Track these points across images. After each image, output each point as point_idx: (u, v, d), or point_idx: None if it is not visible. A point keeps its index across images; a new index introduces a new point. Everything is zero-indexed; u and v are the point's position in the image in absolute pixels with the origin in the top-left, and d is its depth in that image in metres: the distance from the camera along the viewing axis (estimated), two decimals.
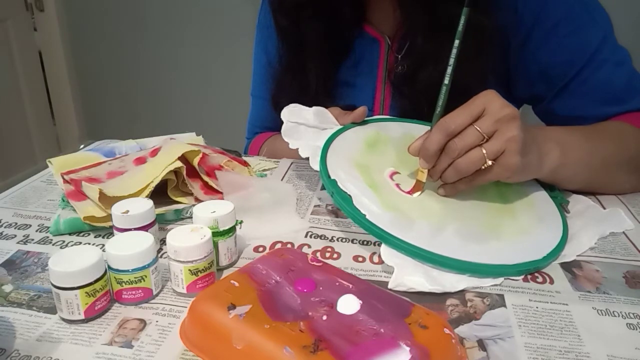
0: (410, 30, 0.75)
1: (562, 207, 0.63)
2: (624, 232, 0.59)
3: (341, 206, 0.56)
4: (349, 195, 0.57)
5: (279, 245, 0.57)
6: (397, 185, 0.60)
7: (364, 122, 0.69)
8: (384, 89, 0.81)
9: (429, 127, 0.58)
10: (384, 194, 0.58)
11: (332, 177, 0.59)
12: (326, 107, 0.70)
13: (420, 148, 0.57)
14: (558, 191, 0.65)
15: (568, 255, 0.55)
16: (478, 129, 0.53)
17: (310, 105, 0.69)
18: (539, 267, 0.53)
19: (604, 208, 0.64)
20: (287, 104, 0.70)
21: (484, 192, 0.61)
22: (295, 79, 0.81)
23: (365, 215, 0.54)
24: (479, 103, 0.54)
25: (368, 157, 0.64)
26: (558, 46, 0.72)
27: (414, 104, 0.75)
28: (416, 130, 0.68)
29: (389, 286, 0.49)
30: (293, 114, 0.67)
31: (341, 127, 0.68)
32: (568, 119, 0.73)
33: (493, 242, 0.54)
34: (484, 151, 0.53)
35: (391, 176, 0.62)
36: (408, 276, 0.50)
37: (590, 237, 0.58)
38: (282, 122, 0.67)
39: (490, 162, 0.54)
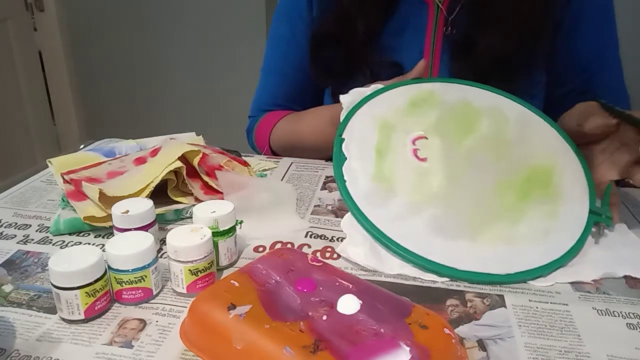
0: None
1: (599, 226, 0.57)
2: None
3: (334, 165, 0.59)
4: (345, 157, 0.59)
5: (279, 245, 0.57)
6: (415, 150, 0.60)
7: (430, 80, 0.68)
8: (432, 56, 0.79)
9: (496, 95, 0.64)
10: (388, 160, 0.59)
11: (343, 136, 0.61)
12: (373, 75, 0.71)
13: None
14: (606, 211, 0.57)
15: (550, 279, 0.52)
16: None
17: (351, 70, 0.69)
18: (493, 282, 0.51)
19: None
20: (325, 60, 0.74)
21: (506, 187, 0.58)
22: (341, 23, 0.78)
23: (345, 182, 0.57)
24: None
25: (403, 117, 0.63)
26: (594, 36, 0.77)
27: (469, 71, 0.72)
28: (478, 98, 0.65)
29: (337, 250, 0.53)
30: (351, 96, 0.66)
31: (400, 82, 0.66)
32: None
33: (461, 242, 0.54)
34: None
35: (414, 140, 0.60)
36: (353, 246, 0.53)
37: (592, 273, 0.52)
38: (296, 98, 0.70)
39: None
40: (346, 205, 0.56)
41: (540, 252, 0.53)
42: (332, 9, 0.79)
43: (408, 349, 0.34)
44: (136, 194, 0.58)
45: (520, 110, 0.65)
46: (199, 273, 0.47)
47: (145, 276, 0.46)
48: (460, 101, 0.65)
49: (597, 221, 0.57)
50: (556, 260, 0.53)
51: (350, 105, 0.64)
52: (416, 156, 0.59)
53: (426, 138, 0.61)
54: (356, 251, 0.53)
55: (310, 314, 0.38)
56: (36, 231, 0.59)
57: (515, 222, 0.56)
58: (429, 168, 0.59)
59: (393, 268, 0.52)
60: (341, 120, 0.63)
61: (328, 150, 0.63)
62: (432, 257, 0.52)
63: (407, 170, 0.58)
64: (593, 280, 0.51)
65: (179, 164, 0.61)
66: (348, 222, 0.56)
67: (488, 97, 0.65)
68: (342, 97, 0.65)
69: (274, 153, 0.90)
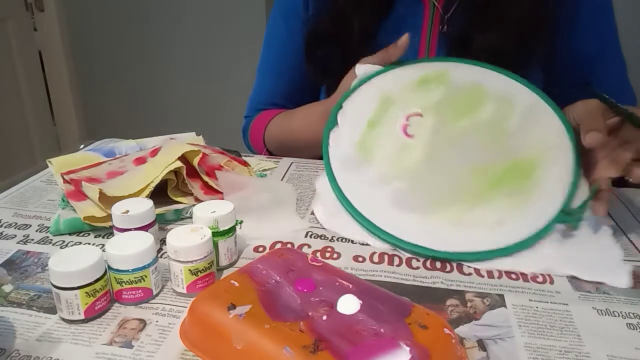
0: None
1: (567, 227, 0.55)
2: (624, 233, 0.59)
3: (324, 129, 0.63)
4: (337, 123, 0.62)
5: (279, 245, 0.57)
6: (405, 126, 0.61)
7: (451, 60, 0.68)
8: (428, 54, 0.79)
9: (513, 81, 0.63)
10: (377, 132, 0.62)
11: (343, 104, 0.64)
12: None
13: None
14: (579, 213, 0.55)
15: (488, 264, 0.53)
16: None
17: (347, 69, 0.71)
18: (430, 257, 0.54)
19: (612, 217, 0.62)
20: (321, 59, 0.77)
21: (482, 173, 0.58)
22: (336, 22, 0.78)
23: (329, 145, 0.61)
24: None
25: (408, 93, 0.64)
26: (593, 32, 0.75)
27: None
28: (493, 83, 0.64)
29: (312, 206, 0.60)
30: (365, 69, 0.68)
31: (422, 59, 0.69)
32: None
33: (414, 215, 0.56)
34: None
35: (408, 117, 0.61)
36: (318, 204, 0.60)
37: (532, 265, 0.52)
38: (292, 98, 0.75)
39: None
40: (324, 166, 0.60)
41: (489, 239, 0.54)
42: (328, 7, 0.79)
43: (408, 349, 0.34)
44: (136, 194, 0.58)
45: (532, 101, 0.63)
46: (199, 273, 0.47)
47: (145, 276, 0.46)
48: (472, 83, 0.64)
49: (565, 221, 0.55)
50: (500, 250, 0.53)
51: (363, 76, 0.66)
52: (405, 132, 0.61)
53: (421, 116, 0.61)
54: (318, 208, 0.58)
55: (310, 314, 0.38)
56: (36, 231, 0.59)
57: (474, 206, 0.56)
58: (412, 144, 0.60)
59: (343, 228, 0.56)
60: (351, 88, 0.65)
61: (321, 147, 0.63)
62: (380, 223, 0.55)
63: (390, 143, 0.60)
64: (588, 281, 0.51)
65: (179, 164, 0.61)
66: (322, 181, 0.60)
67: (504, 83, 0.64)
68: (357, 67, 0.68)
69: (271, 152, 0.89)
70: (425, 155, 0.59)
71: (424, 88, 0.64)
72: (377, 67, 0.67)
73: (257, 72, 0.94)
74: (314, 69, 0.82)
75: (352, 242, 0.57)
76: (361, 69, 0.67)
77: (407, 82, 0.64)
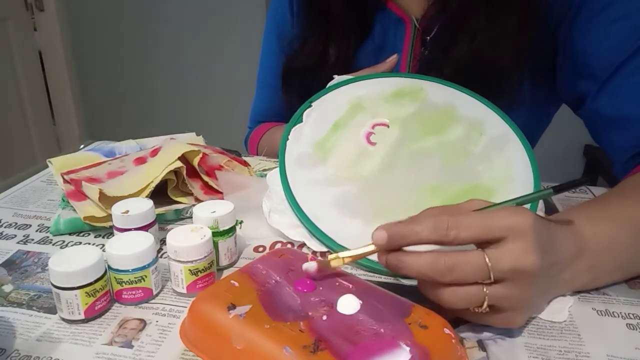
0: (444, 8, 0.70)
1: None
2: None
3: (286, 125, 0.62)
4: (302, 121, 0.62)
5: (279, 245, 0.57)
6: (369, 133, 0.61)
7: (429, 79, 0.66)
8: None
9: (488, 109, 0.61)
10: (339, 135, 0.61)
11: (313, 104, 0.63)
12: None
13: (394, 234, 0.41)
14: None
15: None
16: (490, 266, 0.39)
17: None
18: (362, 266, 0.52)
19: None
20: (299, 88, 0.74)
21: (436, 192, 0.56)
22: (311, 57, 0.77)
23: (287, 140, 0.60)
24: (503, 227, 0.39)
25: (380, 102, 0.63)
26: (605, 31, 0.64)
27: None
28: (467, 108, 0.62)
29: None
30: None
31: (401, 73, 0.67)
32: (614, 122, 0.65)
33: (356, 221, 0.54)
34: (486, 291, 0.40)
35: (374, 125, 0.61)
36: (267, 199, 0.59)
37: None
38: (288, 111, 0.70)
39: (486, 308, 0.40)
40: (278, 161, 0.59)
41: None
42: (304, 38, 0.78)
43: (408, 349, 0.34)
44: (136, 194, 0.58)
45: (503, 131, 0.61)
46: (199, 273, 0.47)
47: (145, 276, 0.46)
48: (446, 104, 0.63)
49: None
50: None
51: (339, 80, 0.66)
52: (367, 139, 0.60)
53: (387, 126, 0.61)
54: (266, 202, 0.58)
55: (310, 314, 0.38)
56: (36, 231, 0.59)
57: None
58: (372, 152, 0.59)
59: (287, 230, 0.55)
60: (325, 89, 0.65)
61: None
62: (320, 224, 0.54)
63: (350, 148, 0.60)
64: None
65: (179, 164, 0.61)
66: (273, 176, 0.59)
67: (478, 110, 0.63)
68: (335, 77, 0.68)
69: None
70: (382, 166, 0.58)
71: (397, 100, 0.64)
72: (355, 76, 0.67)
73: (256, 82, 0.95)
74: (291, 99, 0.80)
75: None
76: (338, 77, 0.67)
77: (381, 92, 0.64)
